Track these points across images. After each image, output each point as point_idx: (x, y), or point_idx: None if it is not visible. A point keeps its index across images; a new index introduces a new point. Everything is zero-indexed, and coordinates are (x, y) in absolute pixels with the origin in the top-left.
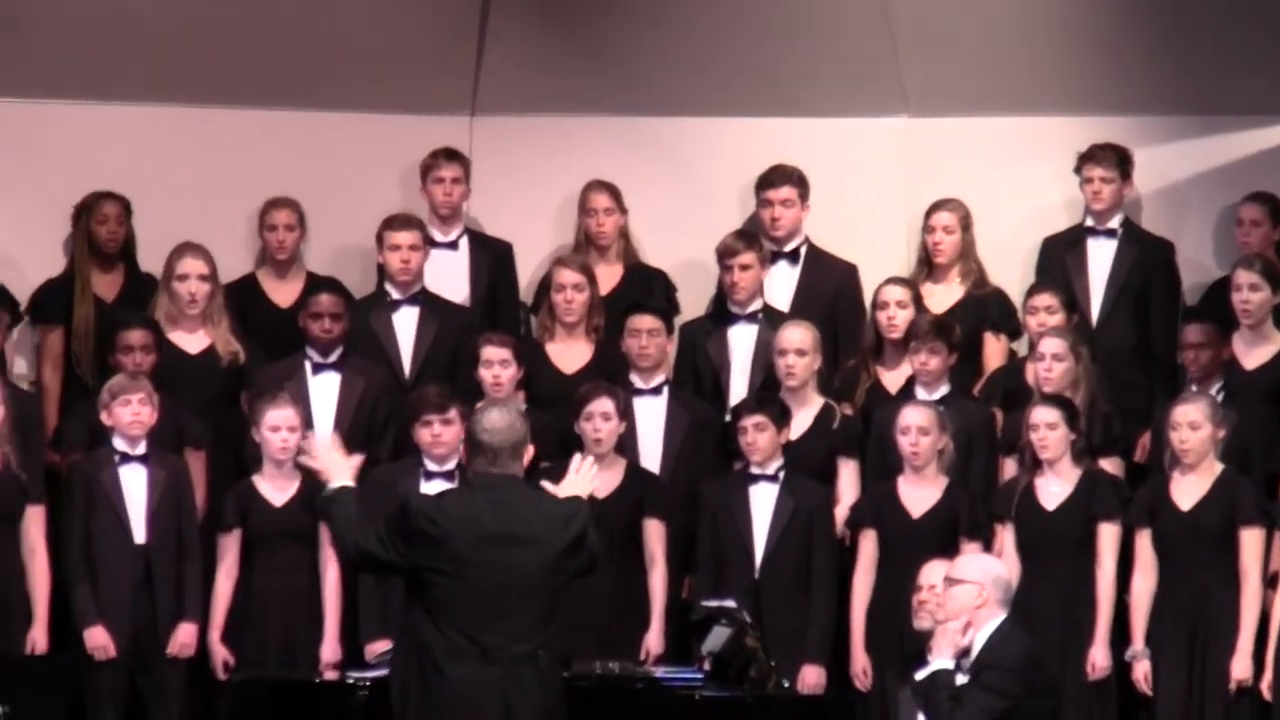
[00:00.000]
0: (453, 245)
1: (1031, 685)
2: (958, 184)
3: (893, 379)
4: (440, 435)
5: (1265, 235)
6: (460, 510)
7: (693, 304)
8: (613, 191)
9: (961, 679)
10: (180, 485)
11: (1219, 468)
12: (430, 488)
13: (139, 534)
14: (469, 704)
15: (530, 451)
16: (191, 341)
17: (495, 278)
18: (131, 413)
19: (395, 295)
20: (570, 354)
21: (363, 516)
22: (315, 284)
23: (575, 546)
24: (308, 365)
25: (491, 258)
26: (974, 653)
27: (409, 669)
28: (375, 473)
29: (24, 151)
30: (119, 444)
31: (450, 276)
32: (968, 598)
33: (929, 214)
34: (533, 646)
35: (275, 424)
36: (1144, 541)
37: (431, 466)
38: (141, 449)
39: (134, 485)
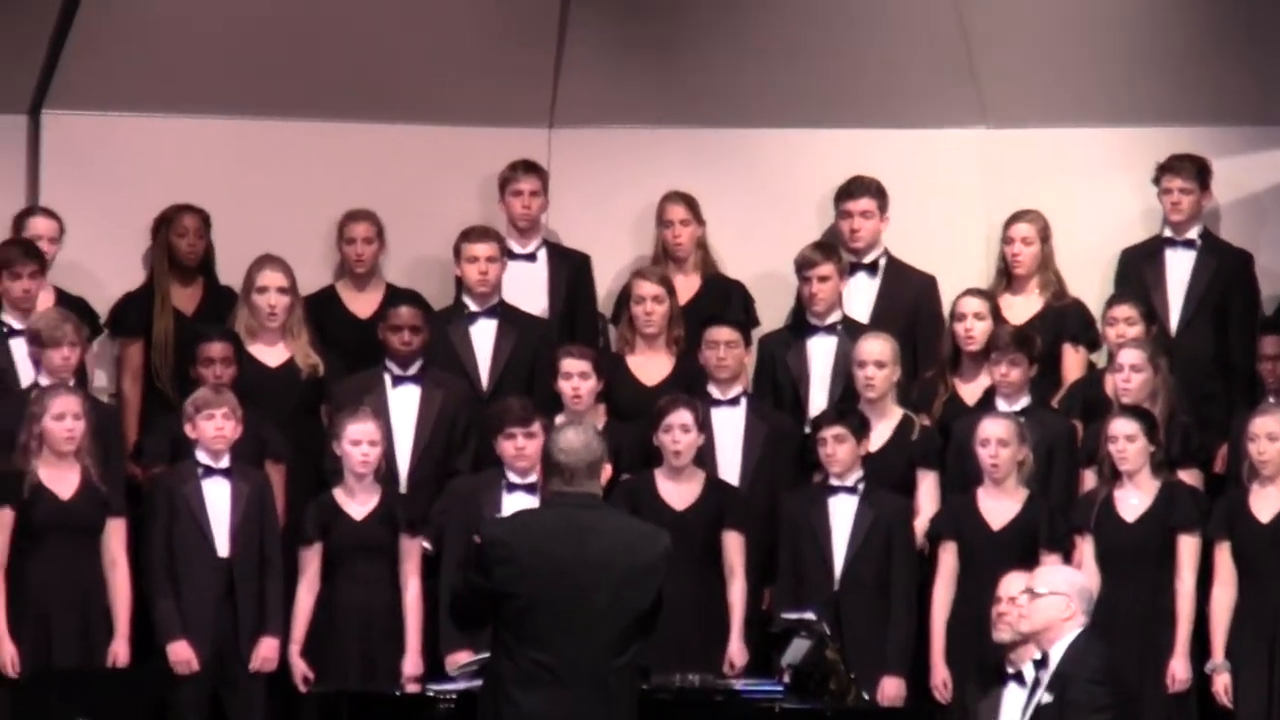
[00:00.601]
0: (530, 257)
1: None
2: (1036, 195)
3: (970, 390)
4: (524, 448)
5: None
6: (534, 531)
7: (771, 316)
8: (690, 203)
9: (1045, 696)
10: (263, 499)
11: None
12: (512, 500)
13: (222, 548)
14: None
15: (608, 470)
16: (271, 354)
17: (573, 289)
18: (215, 427)
19: (473, 307)
20: (651, 366)
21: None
22: (394, 296)
23: (653, 569)
24: (387, 378)
25: (570, 269)
26: (1052, 664)
27: (485, 693)
28: (456, 484)
29: (104, 165)
30: (202, 457)
31: (528, 288)
32: (1055, 609)
33: (1008, 225)
34: (606, 671)
35: (356, 437)
36: (1223, 553)
37: (514, 479)
38: (225, 463)
39: (217, 499)
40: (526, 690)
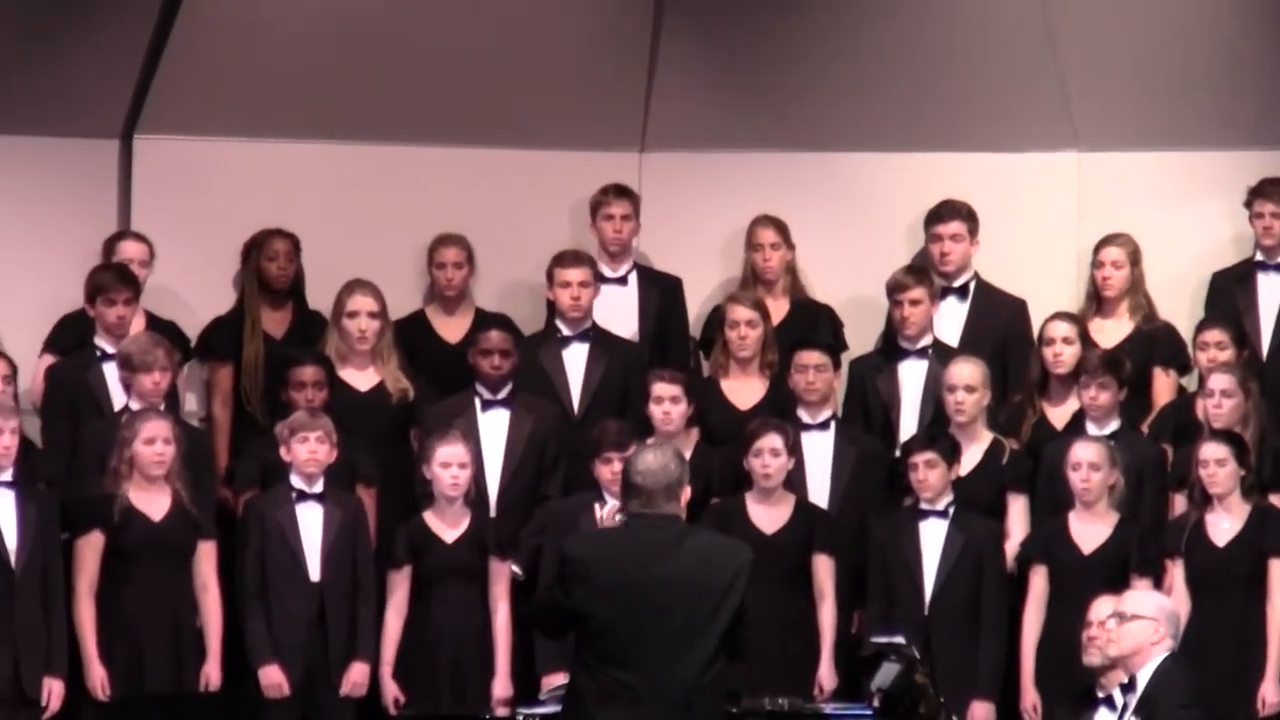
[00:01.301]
0: (622, 281)
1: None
2: (1126, 219)
3: (1059, 414)
4: (620, 472)
5: None
6: (613, 551)
7: (860, 339)
8: (780, 227)
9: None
10: (356, 523)
11: None
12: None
13: (314, 572)
14: None
15: (688, 492)
16: (361, 378)
17: (664, 312)
18: (309, 450)
19: (565, 331)
20: (744, 390)
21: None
22: (484, 320)
23: (732, 586)
24: (477, 402)
25: (660, 292)
26: (1140, 689)
27: (566, 710)
28: (551, 507)
29: (195, 189)
30: (296, 481)
31: (619, 312)
32: (1144, 633)
33: (1098, 249)
34: (686, 692)
35: (446, 460)
36: None
37: (611, 502)
38: (318, 487)
39: (310, 523)
40: (606, 708)
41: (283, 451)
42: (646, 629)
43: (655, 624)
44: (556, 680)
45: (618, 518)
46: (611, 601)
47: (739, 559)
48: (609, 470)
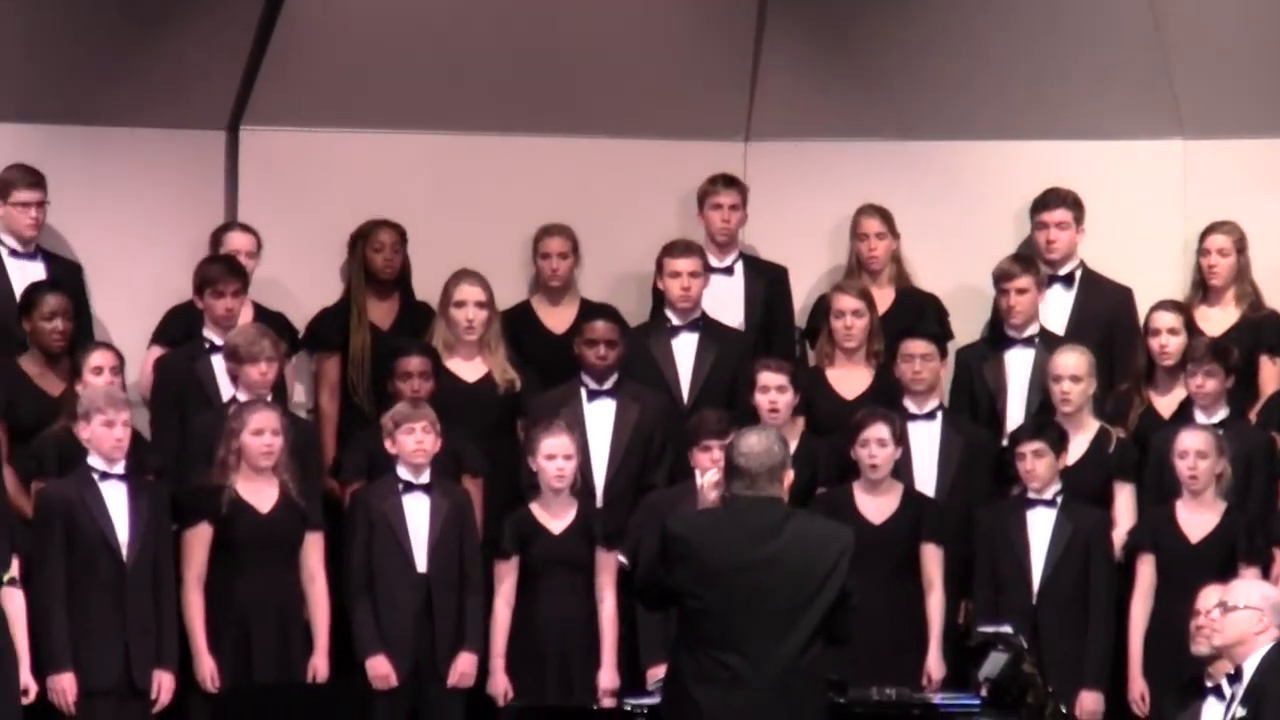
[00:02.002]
0: (728, 270)
1: None
2: (1232, 206)
3: (1165, 403)
4: (720, 460)
5: None
6: (714, 532)
7: (965, 328)
8: (884, 216)
9: (1239, 710)
10: (463, 514)
11: None
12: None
13: (420, 563)
14: None
15: (790, 475)
16: (468, 369)
17: (770, 301)
18: (415, 441)
19: (675, 321)
20: (850, 380)
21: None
22: (590, 310)
23: (834, 573)
24: (583, 392)
25: (766, 281)
26: (1246, 678)
27: (666, 690)
28: (652, 498)
29: (300, 180)
30: (402, 472)
31: (725, 301)
32: (1247, 623)
33: (1203, 237)
34: (785, 672)
35: (551, 451)
36: None
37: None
38: (425, 478)
39: (417, 514)
40: (706, 688)
41: (388, 443)
42: (747, 610)
43: (756, 605)
44: (661, 671)
45: (715, 494)
46: (713, 582)
47: (840, 542)
48: (708, 458)
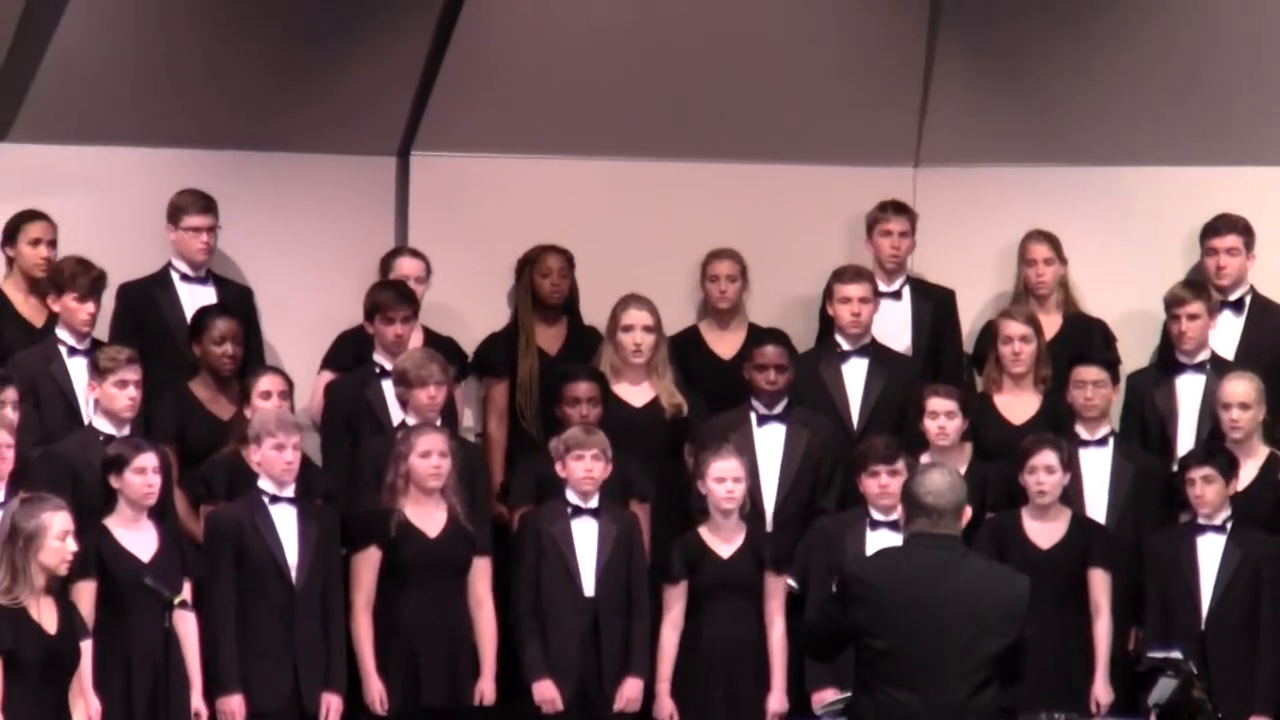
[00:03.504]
0: (896, 295)
1: None
2: None
3: None
4: (888, 486)
5: None
6: (897, 571)
7: (1134, 354)
8: (1053, 242)
9: None
10: (631, 539)
11: None
12: (876, 538)
13: (589, 587)
14: None
15: (968, 513)
16: (635, 393)
17: (938, 325)
18: (585, 468)
19: (845, 346)
20: (1018, 405)
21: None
22: (759, 335)
23: (1013, 612)
24: (753, 417)
25: (934, 305)
26: None
27: None
28: (821, 523)
29: (470, 206)
30: (571, 497)
31: (893, 325)
32: None
33: None
34: (966, 711)
35: (721, 475)
36: None
37: (877, 516)
38: (594, 502)
39: (585, 538)
40: None
41: (558, 468)
42: (926, 649)
43: (933, 643)
44: (828, 696)
45: None
46: (893, 621)
47: (1017, 589)
48: (875, 484)
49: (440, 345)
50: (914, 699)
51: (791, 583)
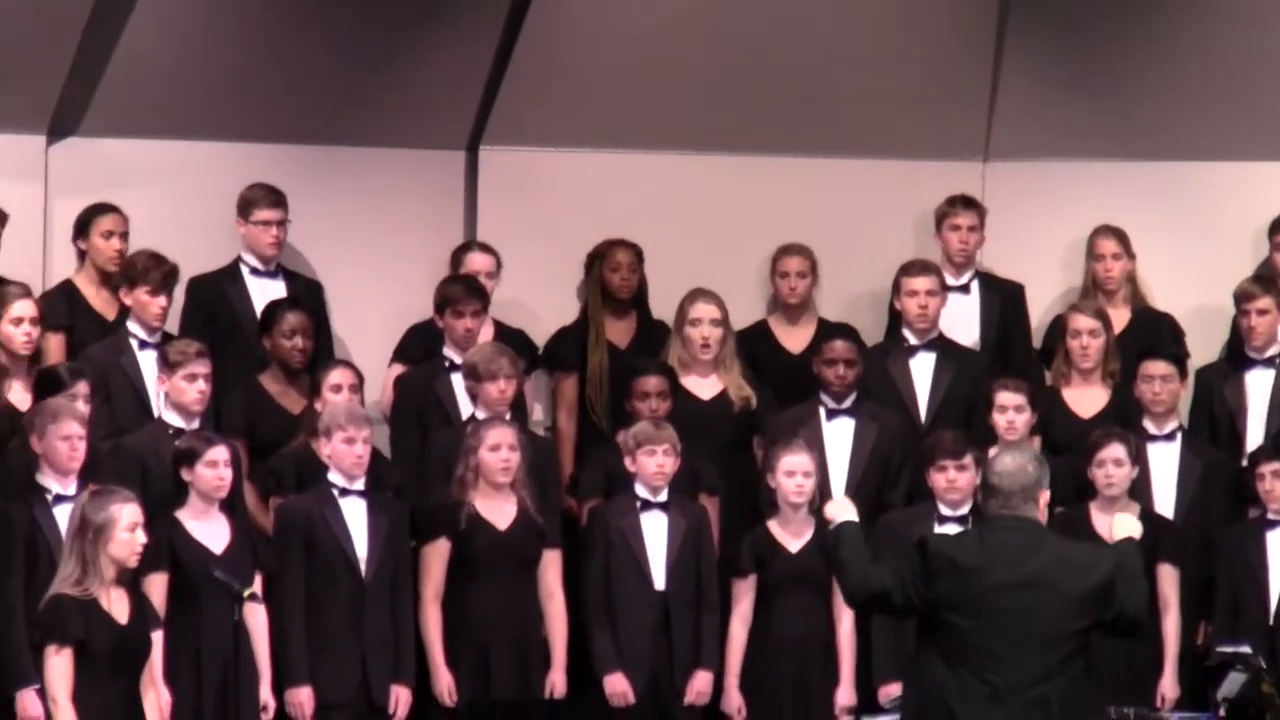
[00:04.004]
0: (964, 289)
1: None
2: None
3: None
4: (955, 481)
5: None
6: (978, 552)
7: (1202, 348)
8: (1121, 237)
9: None
10: (701, 533)
11: None
12: (944, 533)
13: (659, 581)
14: None
15: (1046, 495)
16: (704, 386)
17: (1006, 320)
18: (656, 463)
19: (912, 340)
20: (1086, 399)
21: (869, 557)
22: (828, 330)
23: (1098, 595)
24: (822, 411)
25: (1002, 299)
26: None
27: (919, 711)
28: (888, 518)
29: (539, 200)
30: (640, 490)
31: (961, 319)
32: None
33: None
34: (1045, 691)
35: (791, 468)
36: None
37: (945, 511)
38: (663, 496)
39: (655, 532)
40: (964, 703)
41: (628, 462)
42: (1008, 628)
43: (1016, 624)
44: (895, 690)
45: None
46: (975, 600)
47: (1101, 570)
48: (943, 479)
49: (511, 338)
50: (996, 677)
51: None
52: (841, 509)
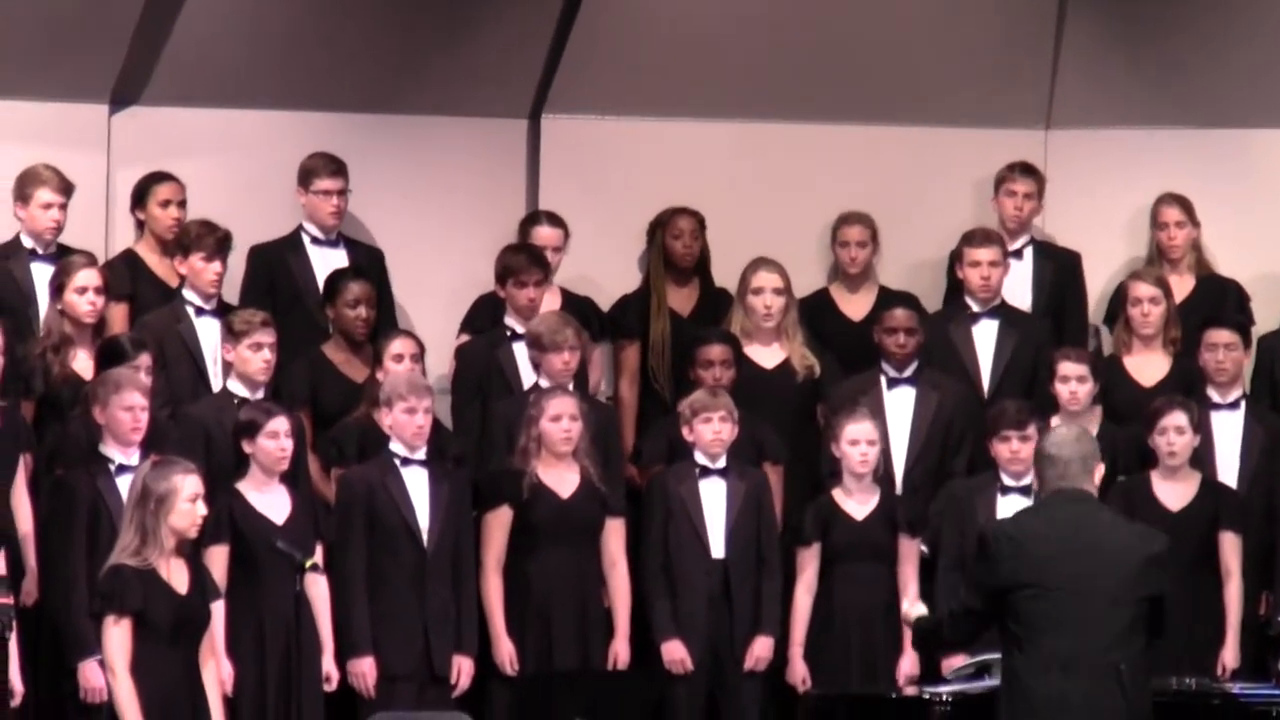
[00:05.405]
0: (1017, 255)
1: None
2: None
3: None
4: (1018, 451)
5: None
6: (1037, 524)
7: (1266, 316)
8: (1185, 205)
9: None
10: (761, 499)
11: None
12: (1007, 503)
13: (717, 548)
14: (1054, 717)
15: (1100, 470)
16: (766, 355)
17: (1060, 287)
18: (713, 430)
19: (975, 309)
20: (1148, 367)
21: (944, 616)
22: (889, 298)
23: (1157, 562)
24: (883, 380)
25: (1056, 266)
26: None
27: (1002, 691)
28: (951, 487)
29: (601, 168)
30: (699, 459)
31: (1013, 285)
32: None
33: None
34: (1114, 659)
35: (854, 437)
36: None
37: (1008, 481)
38: (721, 463)
39: (714, 499)
40: (1040, 678)
41: (685, 432)
42: (1073, 597)
43: (1083, 593)
44: (957, 661)
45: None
46: (1041, 571)
47: (1155, 544)
48: (1006, 449)
49: (578, 306)
50: (1067, 647)
51: (924, 547)
52: (915, 610)
